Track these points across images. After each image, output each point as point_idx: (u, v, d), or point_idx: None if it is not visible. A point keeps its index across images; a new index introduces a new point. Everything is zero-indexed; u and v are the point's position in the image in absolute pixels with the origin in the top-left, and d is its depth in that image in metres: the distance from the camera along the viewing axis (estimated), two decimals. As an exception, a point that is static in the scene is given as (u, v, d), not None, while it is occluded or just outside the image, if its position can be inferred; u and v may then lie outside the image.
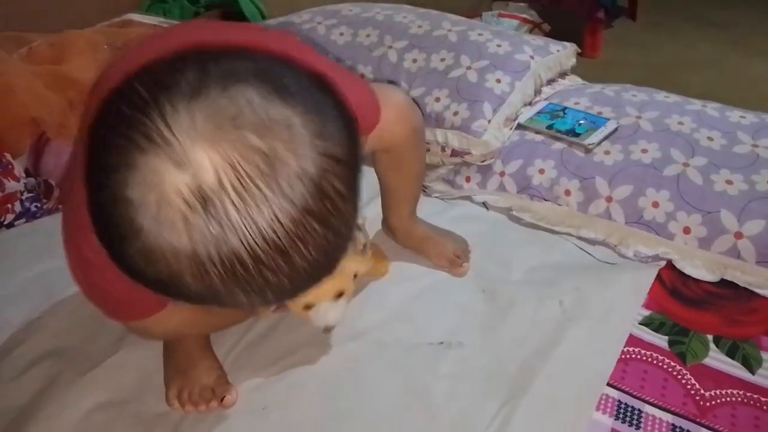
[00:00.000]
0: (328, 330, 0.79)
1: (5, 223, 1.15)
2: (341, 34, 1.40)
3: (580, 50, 1.45)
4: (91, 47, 1.36)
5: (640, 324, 0.89)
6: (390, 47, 1.34)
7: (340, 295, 0.77)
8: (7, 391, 0.82)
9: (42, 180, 1.22)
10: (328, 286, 0.75)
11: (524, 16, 2.89)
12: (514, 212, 1.10)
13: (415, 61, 1.30)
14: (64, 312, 0.94)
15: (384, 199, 0.98)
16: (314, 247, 0.38)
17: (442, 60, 1.28)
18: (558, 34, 2.99)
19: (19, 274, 1.02)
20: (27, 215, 1.17)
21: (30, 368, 0.85)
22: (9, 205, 1.15)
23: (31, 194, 1.19)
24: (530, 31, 2.88)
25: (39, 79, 1.31)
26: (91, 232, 0.46)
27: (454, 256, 1.00)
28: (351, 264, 0.78)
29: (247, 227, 0.35)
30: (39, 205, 1.18)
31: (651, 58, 2.95)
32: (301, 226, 0.36)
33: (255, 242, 0.36)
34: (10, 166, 1.20)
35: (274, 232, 0.36)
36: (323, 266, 0.40)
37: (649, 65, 2.87)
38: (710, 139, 1.10)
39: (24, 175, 1.23)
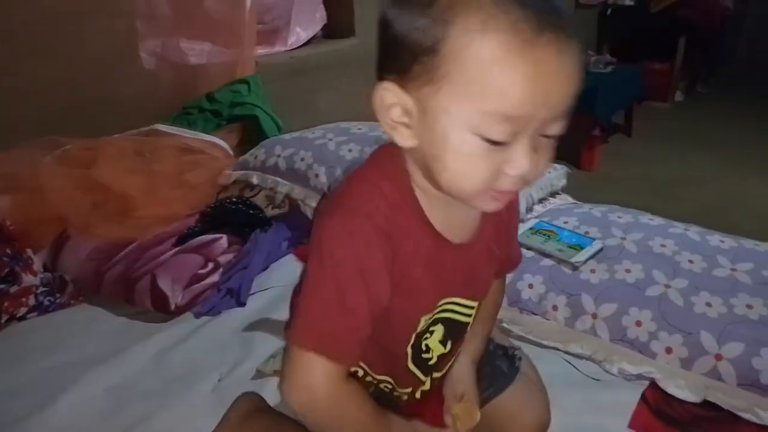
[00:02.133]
0: None
1: (17, 315, 1.21)
2: (350, 150, 1.52)
3: (570, 171, 1.56)
4: (120, 154, 1.48)
5: (623, 444, 0.90)
6: (393, 163, 1.44)
7: None
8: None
9: (58, 275, 1.29)
10: None
11: (524, 131, 3.07)
12: (504, 324, 1.15)
13: (415, 177, 1.40)
14: (69, 408, 0.97)
15: None
16: None
17: (441, 177, 1.37)
18: (557, 149, 3.16)
19: (28, 368, 1.06)
20: (39, 309, 1.23)
21: (26, 463, 0.88)
22: (24, 299, 1.22)
23: (45, 288, 1.26)
24: (530, 146, 3.05)
25: (69, 181, 1.43)
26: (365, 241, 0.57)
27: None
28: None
29: None
30: (52, 299, 1.24)
31: (646, 173, 3.09)
32: None
33: None
34: (30, 261, 1.28)
35: None
36: None
37: (644, 179, 3.01)
38: (691, 262, 1.16)
39: (42, 269, 1.30)
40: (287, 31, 2.47)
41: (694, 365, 1.00)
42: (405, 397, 0.76)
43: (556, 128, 0.55)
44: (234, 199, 1.51)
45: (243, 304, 1.24)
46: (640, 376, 1.02)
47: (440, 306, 0.68)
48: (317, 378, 0.58)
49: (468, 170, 0.55)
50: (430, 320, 0.69)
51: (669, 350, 1.02)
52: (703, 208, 2.56)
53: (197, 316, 1.21)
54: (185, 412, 0.96)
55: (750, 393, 0.95)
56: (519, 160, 0.54)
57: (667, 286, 1.10)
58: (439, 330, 0.70)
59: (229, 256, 1.34)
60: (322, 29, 2.63)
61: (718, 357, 0.99)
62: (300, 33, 2.50)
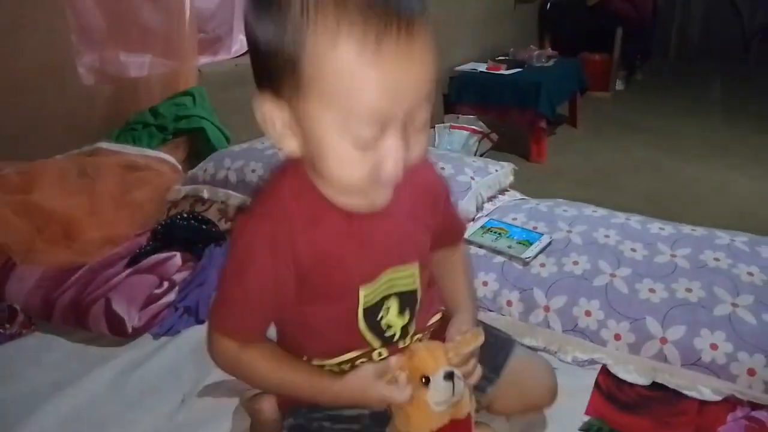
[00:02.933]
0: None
1: (-36, 351, 1.15)
2: (299, 158, 1.52)
3: (517, 168, 1.60)
4: (61, 176, 1.44)
5: (579, 430, 0.94)
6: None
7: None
8: None
9: (6, 305, 1.25)
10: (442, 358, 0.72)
11: (474, 127, 3.13)
12: (462, 323, 1.18)
13: (367, 182, 1.41)
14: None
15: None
16: None
17: (392, 182, 1.39)
18: (506, 142, 3.24)
19: (-25, 404, 1.03)
20: (-12, 341, 1.18)
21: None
22: (-30, 333, 1.17)
23: (-7, 320, 1.21)
24: (480, 141, 3.10)
25: (7, 207, 1.37)
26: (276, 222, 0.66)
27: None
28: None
29: None
30: (2, 330, 1.20)
31: (592, 162, 3.20)
32: None
33: None
34: (-27, 294, 1.22)
35: None
36: None
37: (591, 168, 3.11)
38: (633, 250, 1.21)
39: (-13, 301, 1.25)
40: (230, 38, 2.44)
41: (642, 349, 1.05)
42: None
43: (422, 114, 0.59)
44: (185, 215, 1.49)
45: (202, 322, 1.23)
46: (592, 361, 1.06)
47: (383, 281, 0.73)
48: (225, 349, 0.73)
49: (348, 171, 0.60)
50: (378, 296, 0.73)
51: (618, 337, 1.07)
52: (647, 193, 2.68)
53: (156, 337, 1.19)
54: (148, 436, 0.95)
55: (692, 372, 1.01)
56: (392, 154, 0.58)
57: (613, 276, 1.15)
58: (393, 304, 0.75)
59: (184, 274, 1.32)
60: (266, 35, 2.60)
61: (663, 340, 1.05)
62: (243, 40, 2.46)
